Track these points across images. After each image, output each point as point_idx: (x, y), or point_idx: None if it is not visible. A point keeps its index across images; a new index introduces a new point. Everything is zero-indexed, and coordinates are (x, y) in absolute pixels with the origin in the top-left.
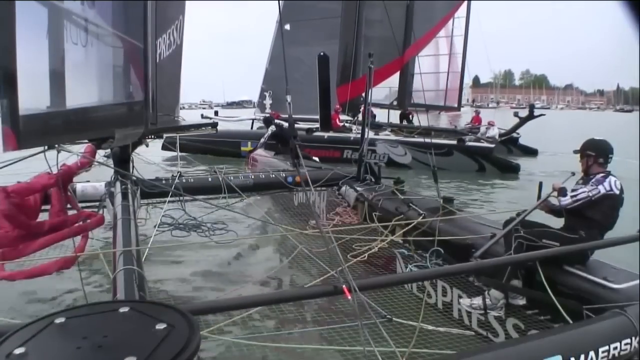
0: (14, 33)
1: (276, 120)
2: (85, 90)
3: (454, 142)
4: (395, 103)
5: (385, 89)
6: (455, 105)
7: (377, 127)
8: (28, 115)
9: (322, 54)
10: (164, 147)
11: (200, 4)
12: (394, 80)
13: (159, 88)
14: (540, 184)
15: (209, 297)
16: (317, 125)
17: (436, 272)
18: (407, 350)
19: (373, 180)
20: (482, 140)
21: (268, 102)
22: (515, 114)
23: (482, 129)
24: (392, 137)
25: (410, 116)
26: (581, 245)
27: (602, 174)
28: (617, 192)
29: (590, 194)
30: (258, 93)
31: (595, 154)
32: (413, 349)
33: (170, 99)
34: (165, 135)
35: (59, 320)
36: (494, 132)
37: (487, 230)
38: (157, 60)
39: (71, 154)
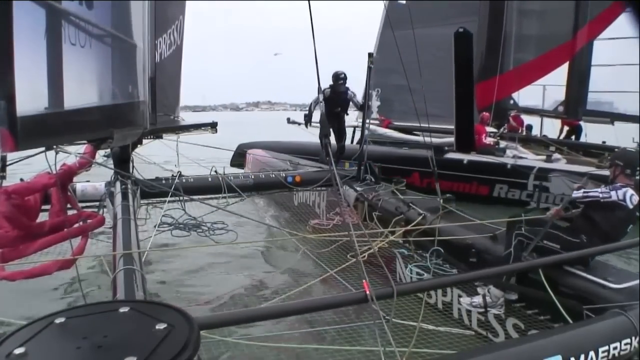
0: (12, 33)
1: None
2: (83, 90)
3: None
4: (560, 109)
5: (536, 88)
6: None
7: (538, 143)
8: (26, 117)
9: (461, 30)
10: (234, 163)
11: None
12: (554, 76)
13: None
14: (540, 187)
15: (208, 297)
16: (452, 139)
17: (474, 275)
18: (407, 350)
19: (373, 180)
20: None
21: (375, 103)
22: None
23: None
24: (573, 166)
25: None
26: (582, 251)
27: (621, 184)
28: (630, 205)
29: (601, 195)
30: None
31: (623, 165)
32: (413, 349)
33: (171, 99)
34: (237, 147)
35: (59, 320)
36: None
37: (487, 230)
38: (158, 61)
39: (71, 154)
